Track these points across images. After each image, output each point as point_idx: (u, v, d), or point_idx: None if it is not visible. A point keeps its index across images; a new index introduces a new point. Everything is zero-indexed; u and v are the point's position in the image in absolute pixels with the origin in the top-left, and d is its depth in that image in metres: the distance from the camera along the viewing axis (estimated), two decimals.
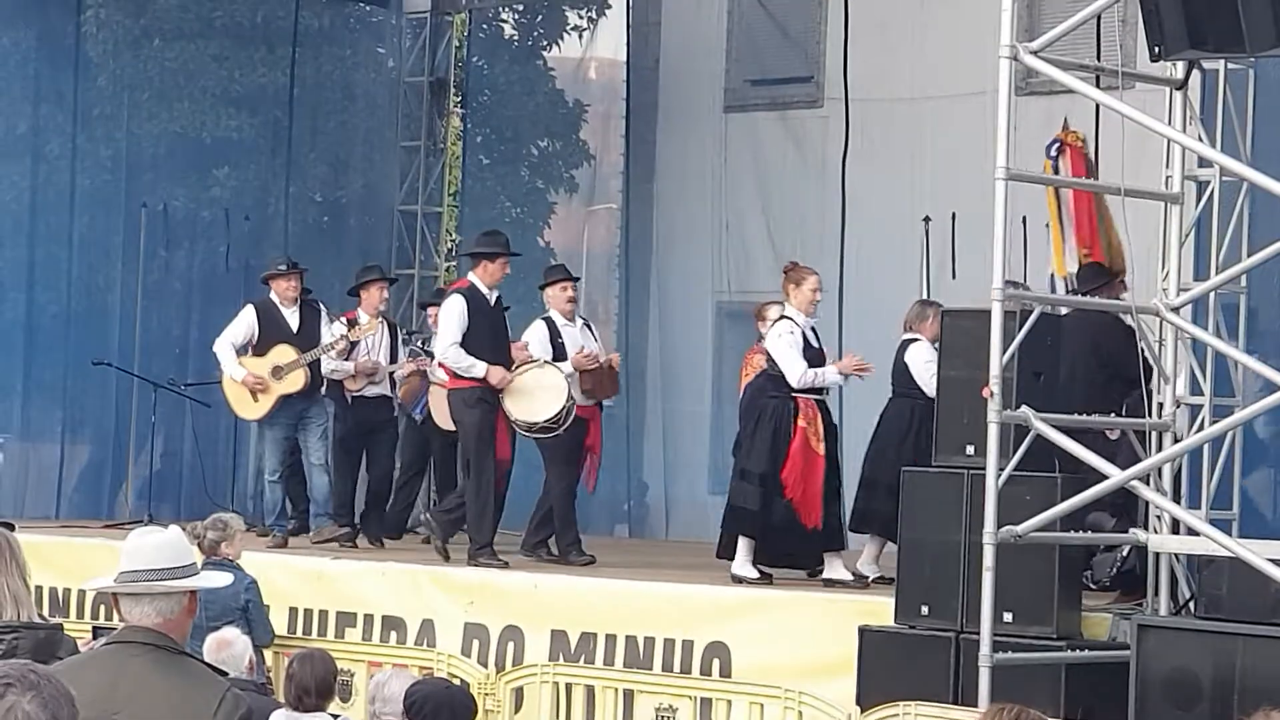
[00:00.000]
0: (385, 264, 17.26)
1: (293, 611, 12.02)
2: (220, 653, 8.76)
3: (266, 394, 13.35)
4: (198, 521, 11.18)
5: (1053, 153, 11.69)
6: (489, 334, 12.42)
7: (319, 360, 13.51)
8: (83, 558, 12.51)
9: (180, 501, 15.46)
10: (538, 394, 12.33)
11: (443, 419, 13.54)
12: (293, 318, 13.51)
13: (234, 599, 10.69)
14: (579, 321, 13.07)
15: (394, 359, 14.02)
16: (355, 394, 13.80)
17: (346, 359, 13.57)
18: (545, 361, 12.48)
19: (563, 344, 12.70)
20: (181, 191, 16.30)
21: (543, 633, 11.17)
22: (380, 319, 13.96)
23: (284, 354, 13.37)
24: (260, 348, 13.42)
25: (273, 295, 13.59)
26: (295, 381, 13.36)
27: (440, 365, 12.87)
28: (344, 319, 13.78)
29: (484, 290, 12.51)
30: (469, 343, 12.31)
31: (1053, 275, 11.85)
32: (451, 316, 12.36)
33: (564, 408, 12.27)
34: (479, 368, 12.25)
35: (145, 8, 16.25)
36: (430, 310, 14.51)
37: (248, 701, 4.85)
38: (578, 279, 13.31)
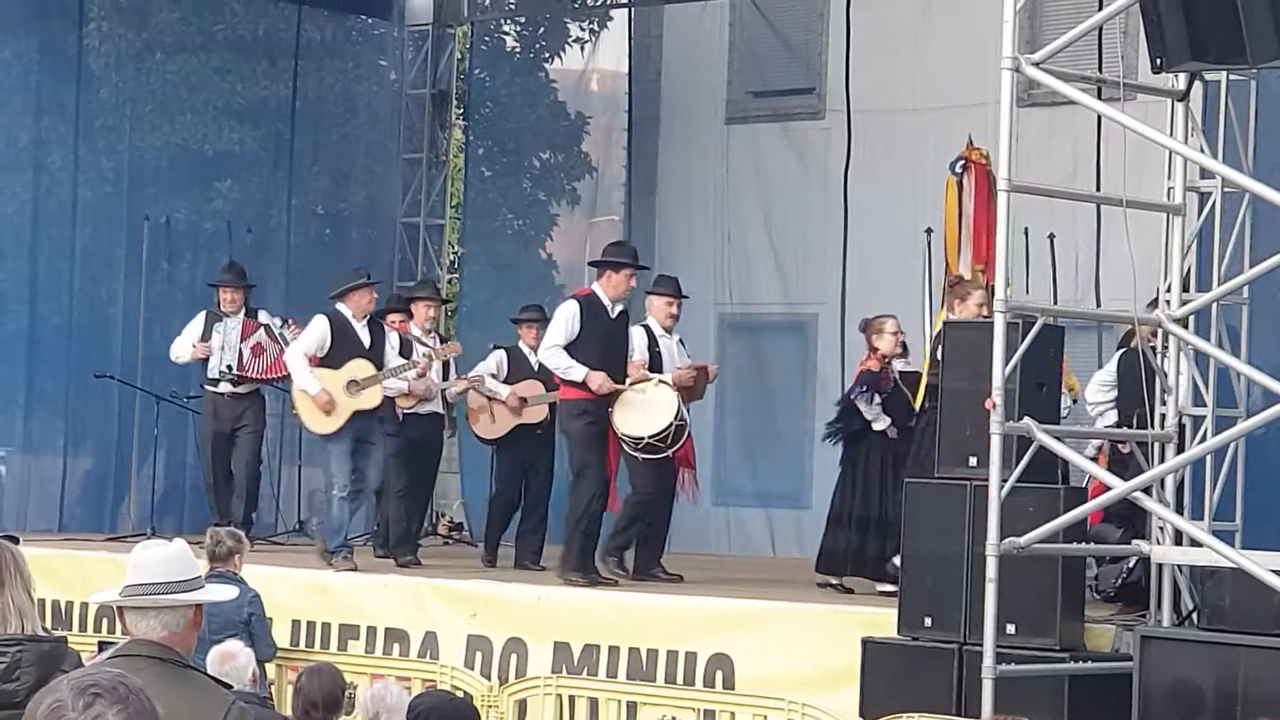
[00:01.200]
0: (388, 276, 17.28)
1: (295, 624, 12.00)
2: (224, 665, 8.74)
3: (340, 409, 12.80)
4: (219, 529, 11.20)
5: (957, 169, 12.02)
6: (604, 344, 12.05)
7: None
8: (85, 571, 12.50)
9: (183, 514, 15.44)
10: (648, 409, 12.02)
11: (483, 428, 13.47)
12: (364, 332, 12.98)
13: (237, 612, 10.69)
14: (675, 335, 12.95)
15: (445, 376, 14.02)
16: (408, 411, 13.73)
17: (420, 376, 13.29)
18: (660, 380, 12.18)
19: (659, 353, 12.54)
20: (183, 204, 16.31)
21: (546, 645, 11.16)
22: (434, 334, 13.93)
23: (361, 369, 12.83)
24: (333, 361, 12.86)
25: (342, 308, 12.97)
26: (372, 398, 12.85)
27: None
28: (397, 331, 13.54)
29: (605, 301, 12.12)
30: (579, 350, 11.97)
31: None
32: (561, 320, 12.06)
33: (671, 424, 11.98)
34: (577, 370, 11.93)
35: (147, 21, 16.26)
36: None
37: (253, 714, 4.84)
38: (686, 297, 13.02)
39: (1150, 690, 9.08)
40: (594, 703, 10.70)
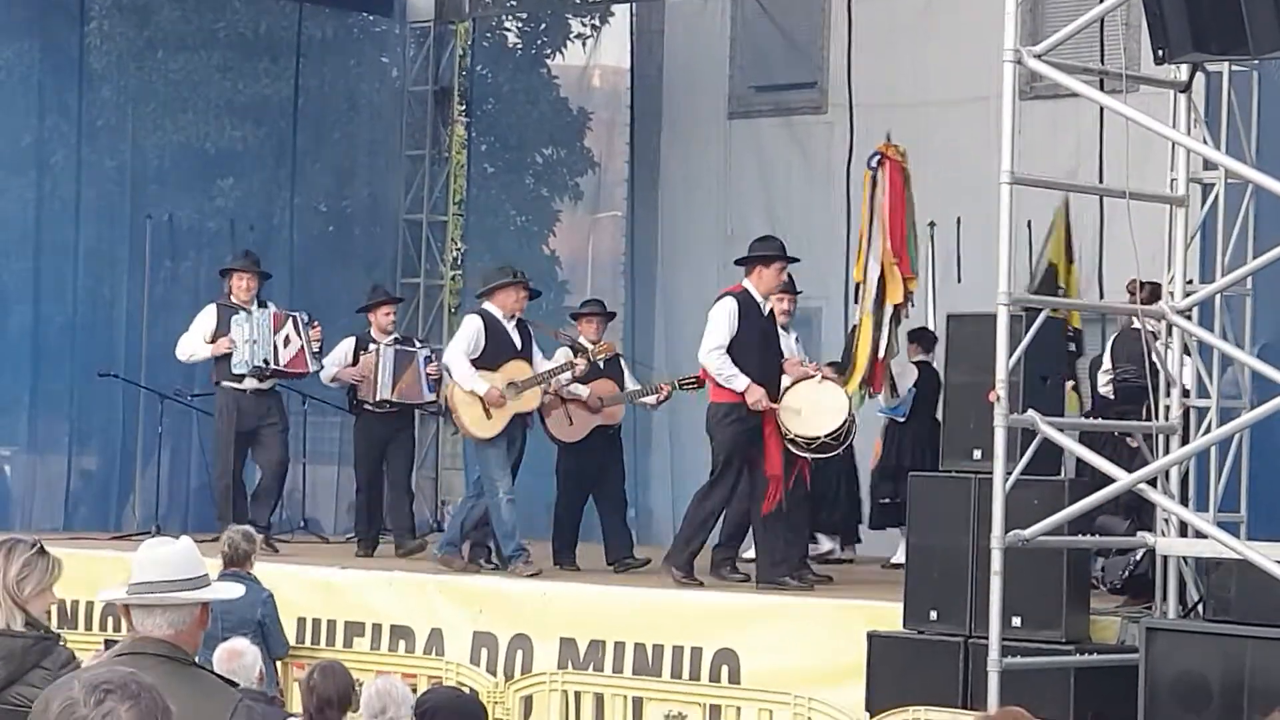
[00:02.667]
0: (390, 274, 17.30)
1: (301, 622, 12.00)
2: (231, 663, 8.75)
3: (502, 411, 12.32)
4: (234, 531, 11.19)
5: (873, 164, 12.42)
6: (760, 343, 11.71)
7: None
8: (90, 570, 12.47)
9: (188, 513, 15.45)
10: (819, 408, 11.67)
11: (560, 430, 12.95)
12: (514, 332, 12.54)
13: (250, 611, 10.70)
14: (793, 332, 12.85)
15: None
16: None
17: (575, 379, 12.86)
18: (823, 376, 11.93)
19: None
20: (186, 202, 16.31)
21: (551, 641, 11.16)
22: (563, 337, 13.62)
23: (519, 370, 12.41)
24: (489, 362, 12.37)
25: (490, 307, 12.50)
26: (531, 400, 12.48)
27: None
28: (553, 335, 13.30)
29: (758, 298, 11.74)
30: (737, 350, 11.55)
31: (858, 284, 12.51)
32: (721, 320, 11.56)
33: (845, 422, 11.69)
34: (740, 381, 11.47)
35: (149, 19, 16.26)
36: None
37: (260, 713, 4.84)
38: (799, 293, 12.90)
39: (1156, 682, 9.08)
40: (599, 698, 10.71)
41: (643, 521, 16.63)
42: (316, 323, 14.04)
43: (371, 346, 13.82)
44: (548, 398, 12.79)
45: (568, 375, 12.71)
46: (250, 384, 13.71)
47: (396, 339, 13.97)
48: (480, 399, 12.23)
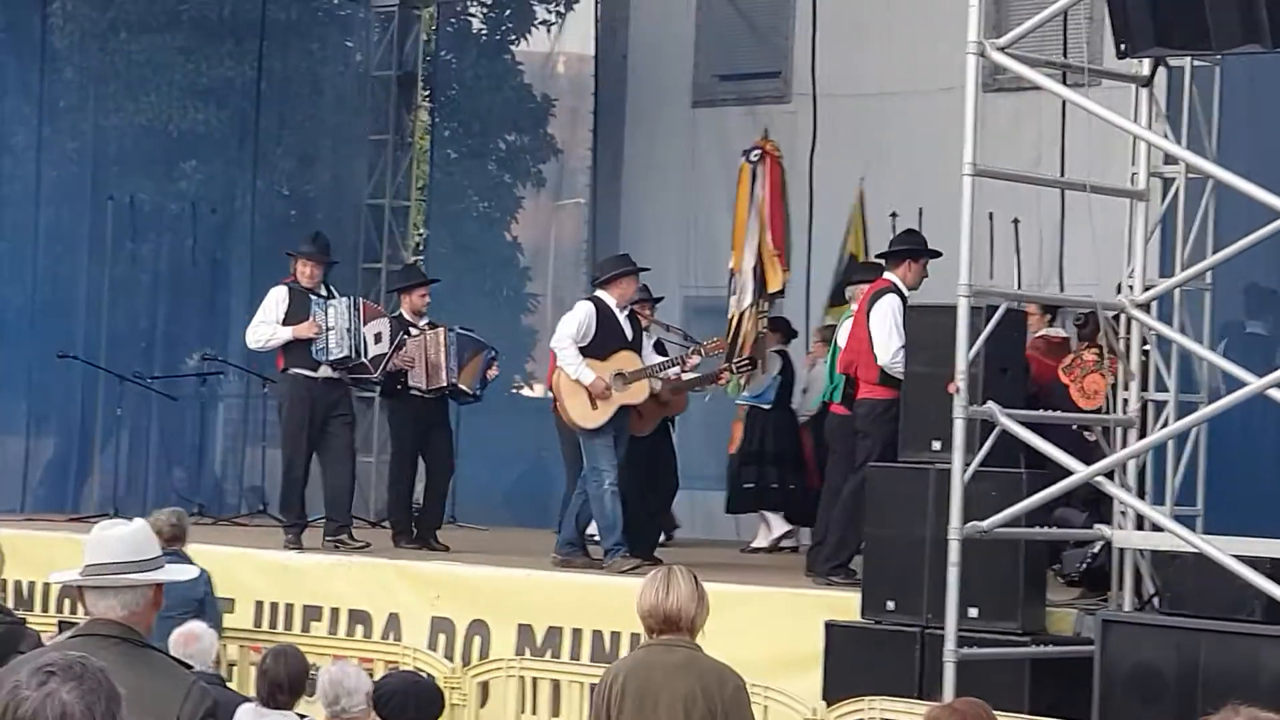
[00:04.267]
0: (352, 259, 17.25)
1: (258, 605, 11.98)
2: (188, 647, 8.72)
3: (608, 402, 11.94)
4: (165, 509, 11.11)
5: (752, 158, 12.76)
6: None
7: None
8: (48, 551, 12.44)
9: (146, 495, 15.37)
10: None
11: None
12: (625, 323, 12.14)
13: (191, 590, 10.63)
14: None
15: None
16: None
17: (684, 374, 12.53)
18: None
19: None
20: (148, 184, 16.24)
21: (509, 626, 11.16)
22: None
23: (628, 361, 12.05)
24: (599, 351, 11.99)
25: (605, 296, 12.09)
26: (639, 392, 12.07)
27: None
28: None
29: (906, 292, 11.32)
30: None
31: (732, 273, 12.72)
32: (895, 316, 10.98)
33: None
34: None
35: (112, 0, 16.18)
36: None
37: (214, 695, 4.84)
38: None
39: (1111, 674, 9.10)
40: (556, 685, 10.68)
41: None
42: (426, 326, 13.34)
43: (414, 330, 13.21)
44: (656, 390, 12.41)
45: (675, 370, 12.42)
46: (324, 372, 12.79)
47: (430, 323, 13.42)
48: (586, 389, 11.94)
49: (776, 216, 12.54)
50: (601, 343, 11.99)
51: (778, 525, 14.50)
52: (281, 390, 13.07)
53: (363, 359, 12.84)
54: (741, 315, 12.69)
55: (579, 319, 11.99)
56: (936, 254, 11.30)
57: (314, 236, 13.44)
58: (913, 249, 11.40)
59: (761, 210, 12.53)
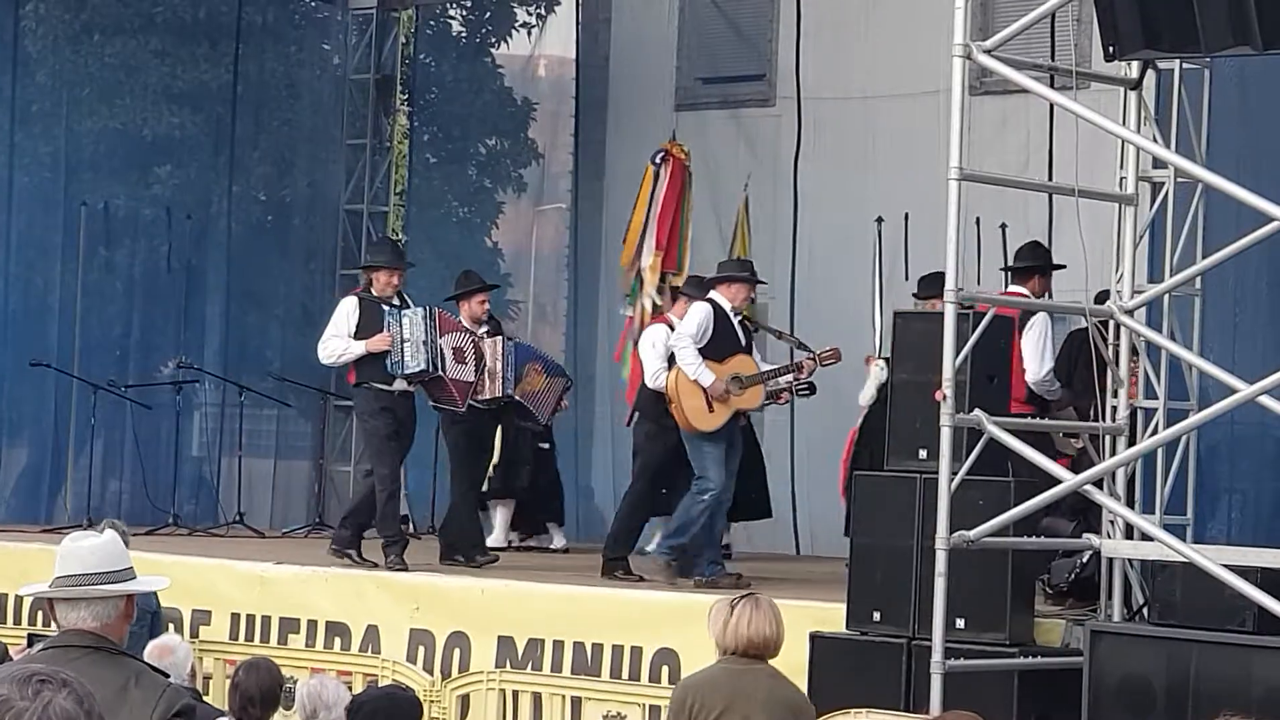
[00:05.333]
0: (330, 265, 17.11)
1: (235, 618, 11.87)
2: (162, 660, 8.56)
3: (725, 405, 11.63)
4: (111, 520, 10.86)
5: (657, 160, 13.29)
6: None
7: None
8: (21, 563, 12.32)
9: (121, 505, 15.20)
10: None
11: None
12: (738, 327, 11.86)
13: (145, 601, 10.52)
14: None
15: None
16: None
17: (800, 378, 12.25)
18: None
19: None
20: (122, 190, 16.07)
21: (489, 638, 11.05)
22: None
23: (744, 365, 11.78)
24: (715, 354, 11.69)
25: (718, 297, 11.77)
26: (754, 398, 11.85)
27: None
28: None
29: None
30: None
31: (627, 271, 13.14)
32: (1043, 337, 10.79)
33: None
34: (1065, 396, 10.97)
35: (85, 3, 16.01)
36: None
37: (188, 695, 4.85)
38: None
39: (1100, 685, 9.01)
40: (537, 698, 10.58)
41: (584, 518, 16.50)
42: (504, 335, 12.96)
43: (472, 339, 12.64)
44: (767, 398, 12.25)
45: (789, 376, 12.19)
46: (399, 385, 12.26)
47: (488, 331, 12.90)
48: (704, 390, 11.64)
49: (666, 218, 12.96)
50: (718, 345, 11.70)
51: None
52: (357, 406, 12.58)
53: (439, 372, 12.32)
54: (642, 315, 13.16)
55: (698, 319, 11.67)
56: (1059, 266, 11.11)
57: (384, 243, 12.95)
58: (1035, 264, 11.16)
59: (656, 210, 13.01)
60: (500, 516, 14.46)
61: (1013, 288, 11.12)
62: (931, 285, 11.38)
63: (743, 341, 11.89)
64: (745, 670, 6.76)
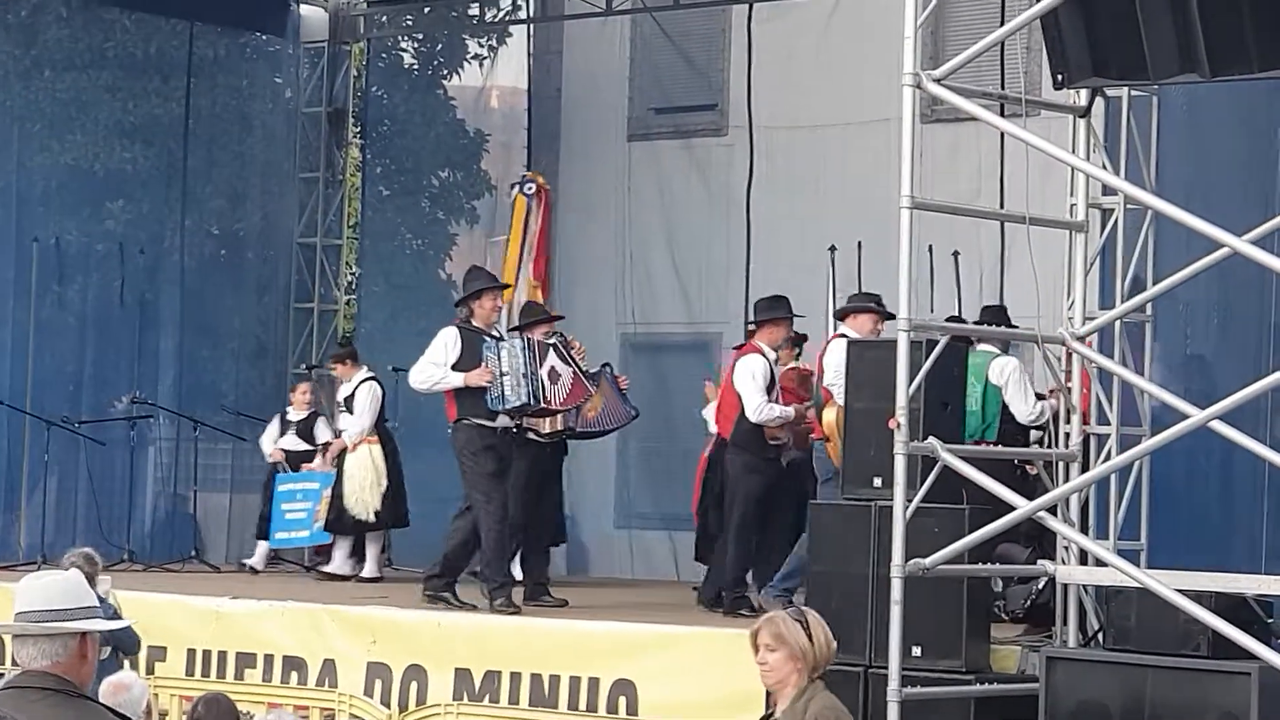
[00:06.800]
0: (284, 299, 17.08)
1: (190, 653, 11.81)
2: (116, 696, 8.56)
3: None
4: (76, 552, 10.81)
5: (527, 190, 14.11)
6: None
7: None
8: None
9: (75, 541, 15.00)
10: None
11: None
12: None
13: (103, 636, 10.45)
14: None
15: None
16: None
17: None
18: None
19: None
20: (74, 225, 16.02)
21: (446, 672, 11.00)
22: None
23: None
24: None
25: (848, 328, 11.49)
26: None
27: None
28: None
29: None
30: None
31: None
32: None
33: None
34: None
35: (35, 38, 15.96)
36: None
37: None
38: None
39: (1056, 711, 9.03)
40: None
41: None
42: (574, 338, 12.57)
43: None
44: None
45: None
46: (502, 421, 11.79)
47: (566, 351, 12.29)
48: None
49: (542, 248, 13.36)
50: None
51: None
52: (458, 443, 11.86)
53: (541, 404, 11.89)
54: None
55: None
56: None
57: (479, 270, 12.38)
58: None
59: (532, 242, 13.32)
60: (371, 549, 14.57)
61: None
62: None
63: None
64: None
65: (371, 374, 14.56)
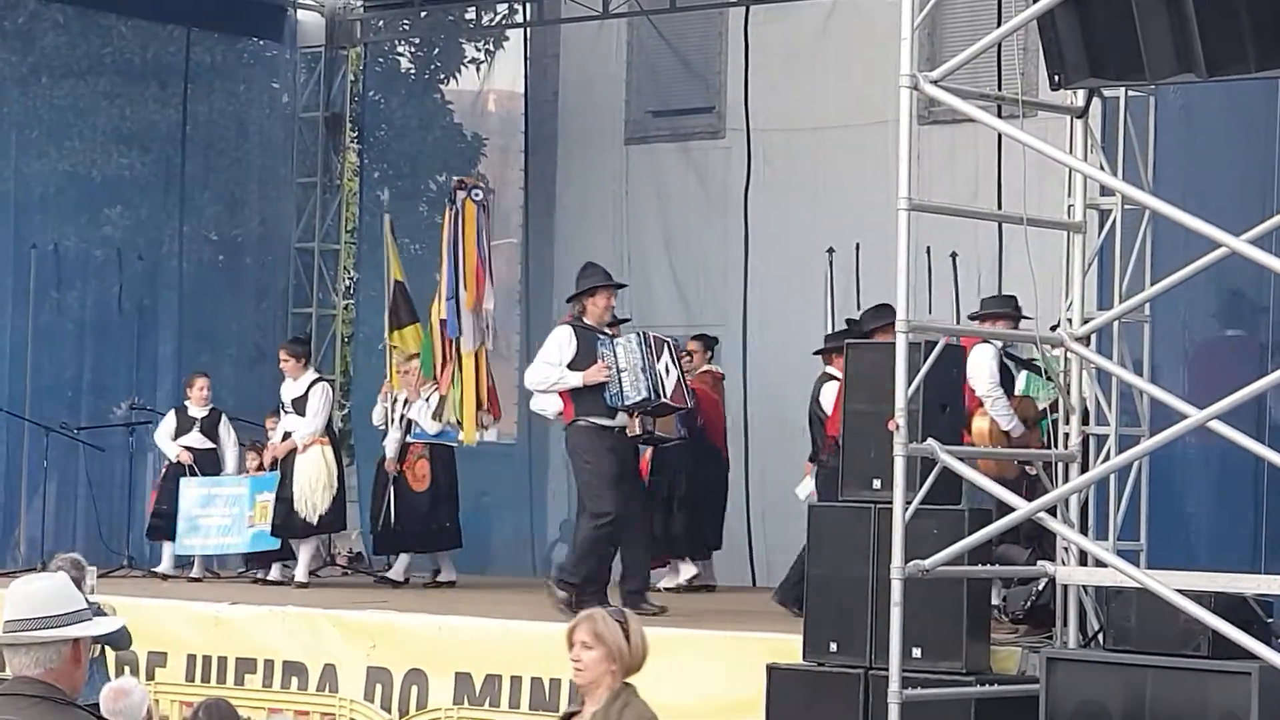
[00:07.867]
0: (282, 304, 17.10)
1: (190, 659, 11.82)
2: (116, 703, 8.57)
3: None
4: (62, 558, 10.79)
5: (475, 196, 13.83)
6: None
7: None
8: None
9: (74, 548, 15.03)
10: None
11: None
12: None
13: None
14: None
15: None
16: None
17: None
18: None
19: None
20: (72, 231, 16.04)
21: (447, 676, 11.01)
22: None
23: (1024, 408, 11.15)
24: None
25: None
26: None
27: None
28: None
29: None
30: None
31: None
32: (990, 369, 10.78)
33: None
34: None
35: (33, 45, 15.97)
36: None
37: None
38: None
39: (1056, 712, 9.02)
40: None
41: (540, 552, 16.48)
42: (686, 348, 12.37)
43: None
44: None
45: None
46: (620, 420, 11.46)
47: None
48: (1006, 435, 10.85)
49: (484, 265, 13.57)
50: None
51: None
52: (574, 444, 11.59)
53: (661, 398, 11.51)
54: (477, 353, 13.60)
55: (995, 364, 10.95)
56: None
57: (593, 267, 11.97)
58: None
59: (469, 250, 13.49)
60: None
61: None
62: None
63: None
64: None
65: (319, 375, 14.64)
